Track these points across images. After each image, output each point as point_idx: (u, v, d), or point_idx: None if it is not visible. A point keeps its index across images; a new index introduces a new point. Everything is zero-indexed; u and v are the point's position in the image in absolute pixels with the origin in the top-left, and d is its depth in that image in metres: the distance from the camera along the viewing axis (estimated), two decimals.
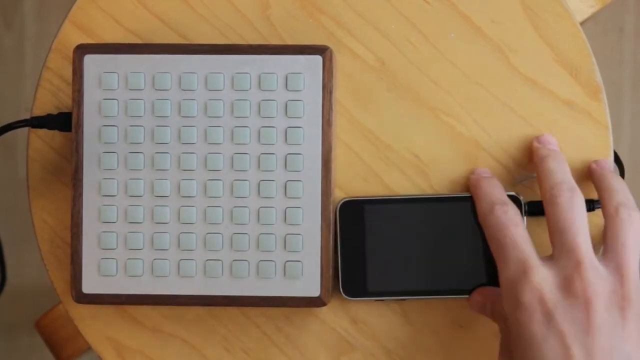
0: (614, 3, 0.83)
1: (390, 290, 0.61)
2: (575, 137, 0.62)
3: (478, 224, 0.60)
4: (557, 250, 0.55)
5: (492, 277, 0.60)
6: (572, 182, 0.57)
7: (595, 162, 0.61)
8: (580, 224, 0.55)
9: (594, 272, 0.53)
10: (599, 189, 0.58)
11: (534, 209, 0.60)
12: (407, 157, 0.62)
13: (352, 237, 0.60)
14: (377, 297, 0.61)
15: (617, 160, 0.63)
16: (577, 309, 0.52)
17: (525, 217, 0.60)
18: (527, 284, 0.53)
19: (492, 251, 0.57)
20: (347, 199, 0.61)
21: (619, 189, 0.57)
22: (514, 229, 0.56)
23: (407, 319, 0.62)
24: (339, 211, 0.61)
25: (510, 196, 0.60)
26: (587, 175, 0.61)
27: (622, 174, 0.63)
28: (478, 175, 0.61)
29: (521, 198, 0.60)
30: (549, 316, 0.52)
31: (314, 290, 0.60)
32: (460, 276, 0.60)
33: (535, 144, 0.61)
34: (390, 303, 0.62)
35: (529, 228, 0.58)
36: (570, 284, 0.53)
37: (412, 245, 0.60)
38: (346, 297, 0.61)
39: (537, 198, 0.60)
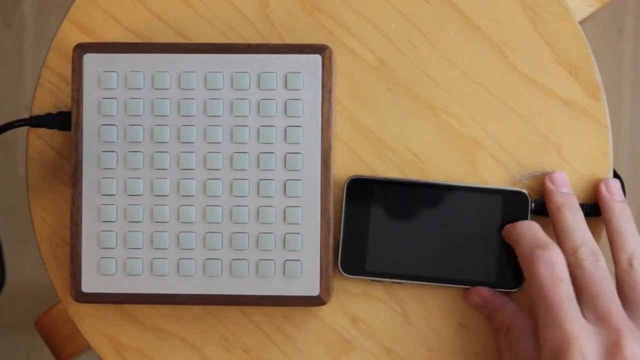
0: (614, 3, 0.83)
1: (389, 272, 0.61)
2: (575, 137, 0.62)
3: (484, 216, 0.60)
4: (592, 315, 0.55)
5: (492, 271, 0.60)
6: (594, 243, 0.57)
7: (605, 184, 0.60)
8: (609, 288, 0.55)
9: (632, 338, 0.53)
10: (608, 227, 0.59)
11: (540, 209, 0.60)
12: (406, 156, 0.62)
13: (357, 214, 0.61)
14: (374, 278, 0.61)
15: (616, 176, 0.63)
16: None
17: (530, 215, 0.60)
18: (573, 357, 0.53)
19: (533, 304, 0.56)
20: (355, 176, 0.61)
21: (631, 234, 0.58)
22: (561, 286, 0.55)
23: (407, 319, 0.62)
24: (347, 187, 0.61)
25: (517, 192, 0.60)
26: (592, 194, 0.61)
27: (622, 189, 0.63)
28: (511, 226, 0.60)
29: (529, 197, 0.60)
30: None
31: (314, 290, 0.60)
32: (460, 267, 0.60)
33: (549, 186, 0.60)
34: (389, 302, 0.62)
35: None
36: (613, 356, 0.53)
37: (415, 230, 0.60)
38: (343, 273, 0.61)
39: (539, 195, 0.61)
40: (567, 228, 0.58)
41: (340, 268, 0.61)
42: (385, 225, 0.60)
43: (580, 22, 0.68)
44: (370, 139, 0.62)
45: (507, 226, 0.60)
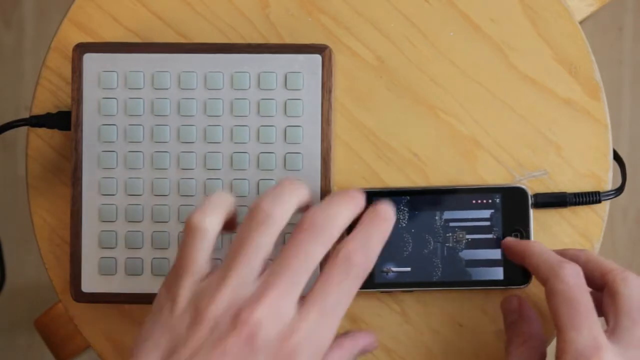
0: (613, 2, 0.83)
1: (397, 282, 0.61)
2: (574, 136, 0.62)
3: (485, 216, 0.60)
4: (620, 330, 0.54)
5: (499, 270, 0.60)
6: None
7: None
8: None
9: None
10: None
11: (539, 200, 0.61)
12: (406, 155, 0.62)
13: None
14: (383, 289, 0.61)
15: (617, 157, 0.63)
16: None
17: (532, 209, 0.60)
18: None
19: (557, 309, 0.54)
20: None
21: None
22: (587, 296, 0.54)
23: (407, 319, 0.62)
24: None
25: (516, 188, 0.60)
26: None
27: (623, 172, 0.63)
28: (518, 241, 0.59)
29: (528, 190, 0.60)
30: None
31: None
32: (467, 268, 0.60)
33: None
34: (389, 302, 0.62)
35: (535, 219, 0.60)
36: None
37: (419, 237, 0.60)
38: None
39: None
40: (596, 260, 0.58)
41: None
42: (389, 235, 0.60)
43: (580, 22, 0.68)
44: (369, 139, 0.62)
45: (511, 244, 0.59)
